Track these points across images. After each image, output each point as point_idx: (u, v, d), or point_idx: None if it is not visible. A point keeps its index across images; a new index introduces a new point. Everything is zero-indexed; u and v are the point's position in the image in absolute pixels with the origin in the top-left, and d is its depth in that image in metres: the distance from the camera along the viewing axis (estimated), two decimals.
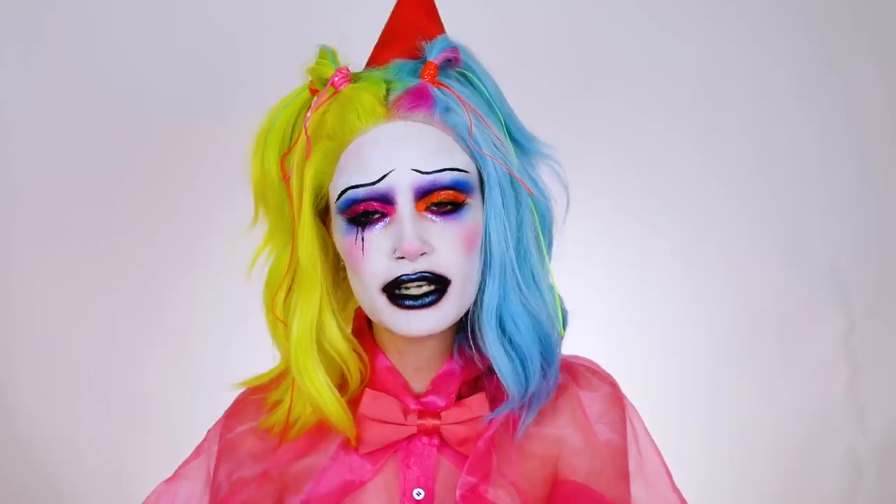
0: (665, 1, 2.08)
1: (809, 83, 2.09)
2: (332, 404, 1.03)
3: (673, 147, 2.08)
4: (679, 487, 1.14)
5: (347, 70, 1.02)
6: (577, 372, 1.12)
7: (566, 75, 2.06)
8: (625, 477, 1.09)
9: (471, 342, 1.06)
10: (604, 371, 1.16)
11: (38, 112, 2.00)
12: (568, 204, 1.07)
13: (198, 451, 1.15)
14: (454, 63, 1.03)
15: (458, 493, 1.02)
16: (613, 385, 1.14)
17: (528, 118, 1.08)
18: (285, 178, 1.02)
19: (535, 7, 2.06)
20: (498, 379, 1.05)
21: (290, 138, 1.04)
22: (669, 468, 1.14)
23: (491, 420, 1.05)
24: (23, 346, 2.02)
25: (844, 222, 2.11)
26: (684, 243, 2.09)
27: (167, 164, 1.99)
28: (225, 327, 1.92)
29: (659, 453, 1.14)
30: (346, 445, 1.07)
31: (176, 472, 1.15)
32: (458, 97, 1.01)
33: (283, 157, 1.02)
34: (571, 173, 1.08)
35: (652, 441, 1.15)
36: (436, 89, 1.01)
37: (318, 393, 1.03)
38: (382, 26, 1.08)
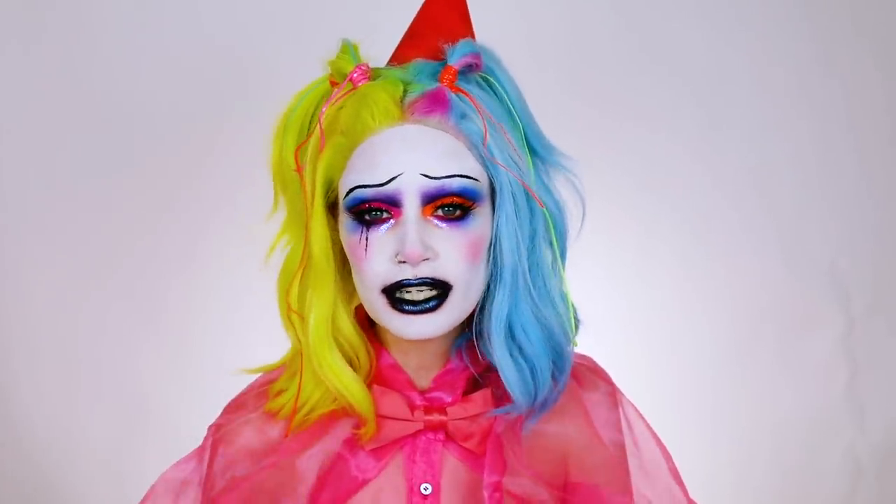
0: (665, 3, 2.08)
1: (808, 84, 2.09)
2: (356, 390, 1.03)
3: (672, 147, 2.08)
4: (682, 476, 1.15)
5: (367, 66, 1.02)
6: (576, 370, 1.12)
7: (565, 75, 2.05)
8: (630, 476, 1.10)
9: (476, 344, 1.06)
10: (601, 369, 1.17)
11: (35, 107, 1.99)
12: (584, 216, 1.07)
13: (200, 447, 1.14)
14: (475, 68, 1.02)
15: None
16: (610, 383, 1.15)
17: None
18: (299, 169, 1.02)
19: (535, 8, 2.06)
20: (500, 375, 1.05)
21: (308, 129, 1.04)
22: (672, 457, 1.15)
23: (496, 417, 1.05)
24: (21, 347, 2.01)
25: (843, 222, 2.11)
26: (683, 244, 2.09)
27: (166, 160, 1.98)
28: (224, 327, 1.92)
29: (660, 442, 1.15)
30: (350, 442, 1.07)
31: (178, 462, 1.14)
32: (474, 104, 1.00)
33: (298, 149, 1.02)
34: (575, 161, 1.08)
35: (651, 431, 1.15)
36: (453, 94, 1.00)
37: (340, 381, 1.03)
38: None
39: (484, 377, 1.08)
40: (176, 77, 1.98)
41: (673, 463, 1.15)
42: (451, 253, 0.98)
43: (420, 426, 1.05)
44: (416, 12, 1.09)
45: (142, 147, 1.99)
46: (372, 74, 1.02)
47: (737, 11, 2.09)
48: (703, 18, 2.08)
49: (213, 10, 2.01)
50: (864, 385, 2.11)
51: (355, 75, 1.00)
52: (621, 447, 1.10)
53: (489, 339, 1.03)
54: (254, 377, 1.15)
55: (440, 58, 1.03)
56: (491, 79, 1.03)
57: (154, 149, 1.99)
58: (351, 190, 0.99)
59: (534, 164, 1.05)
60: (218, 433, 1.11)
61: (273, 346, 1.12)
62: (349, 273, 1.06)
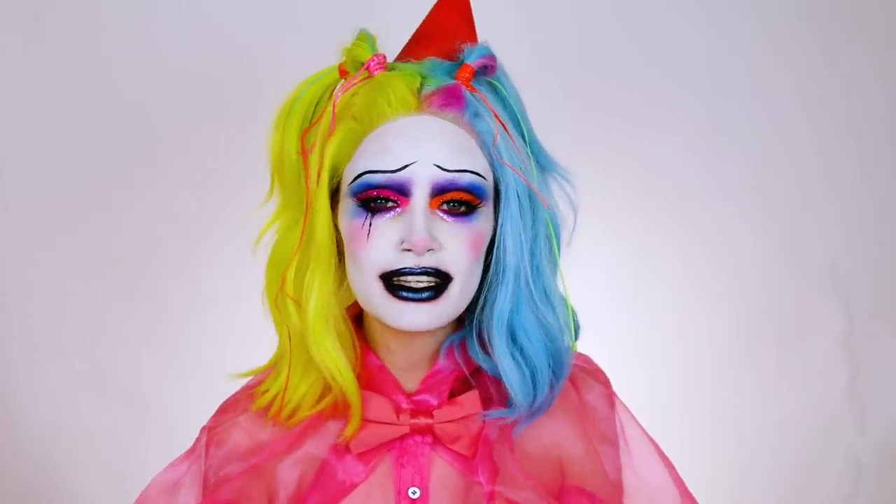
0: (666, 4, 2.08)
1: (809, 85, 2.10)
2: (346, 374, 1.03)
3: (673, 148, 2.08)
4: (679, 474, 1.14)
5: (384, 57, 1.03)
6: (572, 371, 1.11)
7: (567, 77, 2.06)
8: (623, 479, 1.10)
9: (468, 345, 1.06)
10: (598, 369, 1.17)
11: (35, 107, 2.00)
12: (574, 227, 1.08)
13: (191, 449, 1.15)
14: (489, 71, 1.04)
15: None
16: (605, 384, 1.15)
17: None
18: (304, 153, 1.02)
19: (536, 10, 2.06)
20: (489, 378, 1.05)
21: (313, 115, 1.04)
22: (667, 457, 1.14)
23: (486, 420, 1.05)
24: (22, 348, 2.01)
25: (844, 223, 2.11)
26: (685, 244, 2.09)
27: (167, 161, 1.99)
28: (225, 326, 1.92)
29: (652, 441, 1.14)
30: (337, 447, 1.06)
31: (169, 465, 1.15)
32: (487, 104, 1.02)
33: (305, 133, 1.03)
34: (572, 174, 1.08)
35: (644, 432, 1.14)
36: (468, 92, 1.01)
37: (334, 363, 1.02)
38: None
39: (472, 378, 1.07)
40: (176, 77, 1.99)
41: (670, 462, 1.14)
42: (454, 246, 0.99)
43: (406, 430, 1.05)
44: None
45: (142, 147, 1.99)
46: (387, 66, 1.03)
47: (739, 14, 2.09)
48: (705, 21, 2.08)
49: (212, 10, 2.01)
50: (864, 386, 2.11)
51: (373, 63, 1.01)
52: (615, 451, 1.10)
53: (490, 340, 1.03)
54: (245, 381, 1.15)
55: (454, 58, 1.04)
56: (498, 85, 1.04)
57: (155, 149, 1.99)
58: (360, 175, 0.99)
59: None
60: (209, 434, 1.11)
61: (273, 347, 1.12)
62: (343, 270, 1.05)
